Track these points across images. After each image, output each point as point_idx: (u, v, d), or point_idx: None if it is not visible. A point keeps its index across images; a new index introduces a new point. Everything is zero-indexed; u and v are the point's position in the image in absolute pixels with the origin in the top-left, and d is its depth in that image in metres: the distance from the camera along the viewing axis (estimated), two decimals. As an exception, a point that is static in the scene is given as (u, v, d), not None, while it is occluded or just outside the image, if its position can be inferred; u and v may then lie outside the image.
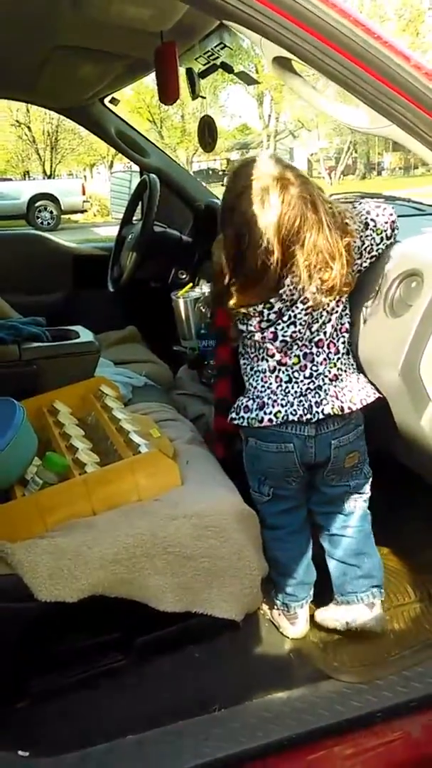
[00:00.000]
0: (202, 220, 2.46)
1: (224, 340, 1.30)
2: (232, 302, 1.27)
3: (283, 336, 1.29)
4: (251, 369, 1.36)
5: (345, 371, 1.34)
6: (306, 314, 1.27)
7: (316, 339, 1.31)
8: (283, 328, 1.28)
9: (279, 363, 1.32)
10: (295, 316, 1.27)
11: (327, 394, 1.31)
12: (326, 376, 1.32)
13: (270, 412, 1.31)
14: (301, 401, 1.31)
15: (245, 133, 25.88)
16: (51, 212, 13.96)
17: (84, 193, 14.89)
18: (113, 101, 2.52)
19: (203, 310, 2.06)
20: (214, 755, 1.12)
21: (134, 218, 2.58)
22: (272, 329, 1.29)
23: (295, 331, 1.28)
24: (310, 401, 1.30)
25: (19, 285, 2.63)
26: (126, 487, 1.35)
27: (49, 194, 14.03)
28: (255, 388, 1.34)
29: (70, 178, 22.00)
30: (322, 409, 1.30)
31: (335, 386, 1.32)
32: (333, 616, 1.45)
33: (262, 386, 1.33)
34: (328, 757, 1.19)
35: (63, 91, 2.37)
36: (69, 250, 2.89)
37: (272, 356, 1.32)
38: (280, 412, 1.30)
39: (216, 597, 1.31)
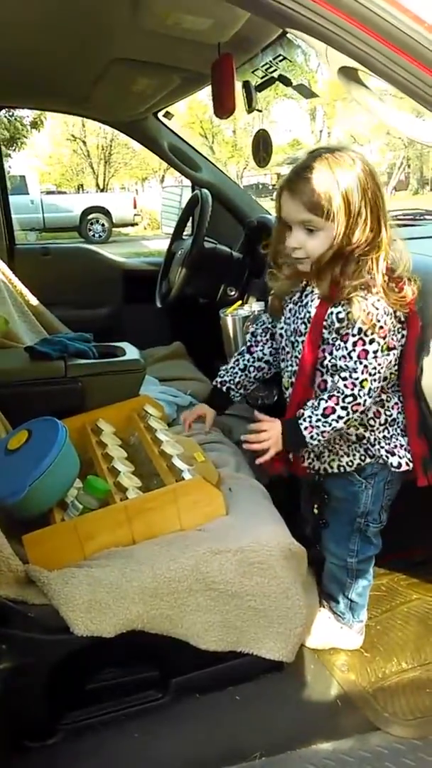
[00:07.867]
0: (254, 236, 2.40)
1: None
2: None
3: None
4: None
5: None
6: None
7: None
8: None
9: None
10: None
11: None
12: None
13: None
14: None
15: (296, 148, 25.82)
16: (103, 225, 14.15)
17: (135, 207, 15.07)
18: (167, 115, 2.50)
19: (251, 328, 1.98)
20: (254, 808, 1.06)
21: (185, 233, 2.53)
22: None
23: None
24: None
25: (68, 299, 2.62)
26: (167, 516, 1.29)
27: (101, 207, 14.23)
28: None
29: (122, 191, 22.31)
30: None
31: None
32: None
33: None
34: None
35: (118, 104, 2.35)
36: (119, 265, 2.88)
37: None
38: None
39: (262, 637, 1.24)
